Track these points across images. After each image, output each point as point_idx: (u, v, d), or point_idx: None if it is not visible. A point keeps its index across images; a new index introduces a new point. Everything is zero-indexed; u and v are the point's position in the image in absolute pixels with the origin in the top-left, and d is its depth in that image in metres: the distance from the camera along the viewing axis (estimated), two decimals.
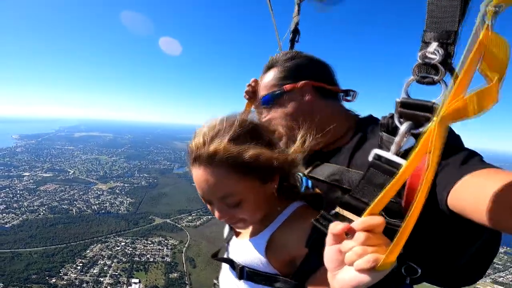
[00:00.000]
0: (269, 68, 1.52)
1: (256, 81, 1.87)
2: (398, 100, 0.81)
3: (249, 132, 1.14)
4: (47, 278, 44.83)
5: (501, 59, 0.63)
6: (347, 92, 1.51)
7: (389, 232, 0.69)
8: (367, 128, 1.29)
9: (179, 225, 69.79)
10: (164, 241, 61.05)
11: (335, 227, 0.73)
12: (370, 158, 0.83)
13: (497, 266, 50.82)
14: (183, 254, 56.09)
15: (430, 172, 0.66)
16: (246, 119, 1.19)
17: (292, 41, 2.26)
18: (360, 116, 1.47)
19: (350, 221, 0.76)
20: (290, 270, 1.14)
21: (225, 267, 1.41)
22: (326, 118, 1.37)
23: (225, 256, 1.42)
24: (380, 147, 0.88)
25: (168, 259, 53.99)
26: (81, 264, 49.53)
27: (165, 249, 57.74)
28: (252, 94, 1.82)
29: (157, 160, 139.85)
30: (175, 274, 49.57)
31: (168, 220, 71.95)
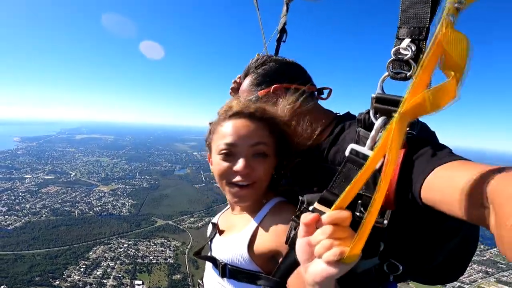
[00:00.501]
0: (245, 76, 1.59)
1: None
2: (373, 95, 0.83)
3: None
4: (50, 280, 44.72)
5: (460, 56, 0.63)
6: (321, 90, 1.54)
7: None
8: (344, 125, 1.32)
9: (181, 227, 69.68)
10: (166, 243, 60.98)
11: (306, 217, 0.76)
12: (347, 153, 0.83)
13: (500, 265, 50.77)
14: (185, 255, 55.98)
15: (389, 168, 0.67)
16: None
17: (279, 41, 2.27)
18: (338, 114, 1.49)
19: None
20: (272, 267, 1.14)
21: (208, 266, 1.43)
22: (302, 117, 1.39)
23: (208, 254, 1.44)
24: (357, 143, 0.88)
25: (171, 261, 53.92)
26: (84, 266, 49.40)
27: (167, 251, 57.67)
28: (237, 91, 1.84)
29: (158, 162, 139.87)
30: (178, 276, 49.51)
31: (170, 222, 71.87)
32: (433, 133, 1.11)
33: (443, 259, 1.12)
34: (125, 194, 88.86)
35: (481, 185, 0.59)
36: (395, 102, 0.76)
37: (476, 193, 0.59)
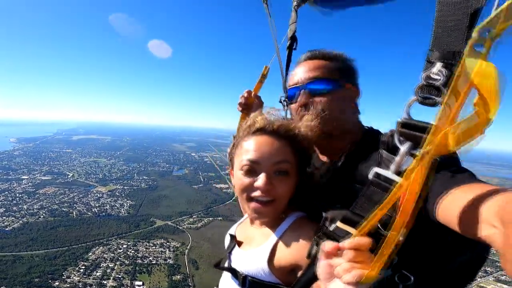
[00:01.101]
0: (324, 57, 1.47)
1: (249, 92, 1.91)
2: (399, 120, 0.83)
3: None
4: (50, 281, 44.36)
5: (489, 92, 0.59)
6: None
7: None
8: (370, 143, 1.32)
9: (180, 227, 69.40)
10: (166, 243, 60.77)
11: (327, 246, 0.82)
12: (370, 176, 0.86)
13: (499, 264, 50.15)
14: (185, 256, 55.86)
15: (408, 205, 0.71)
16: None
17: (290, 48, 2.17)
18: (365, 128, 1.49)
19: (348, 234, 0.85)
20: (291, 279, 1.17)
21: (226, 275, 1.47)
22: (349, 129, 1.41)
23: (227, 265, 1.47)
24: (379, 164, 0.90)
25: (171, 261, 53.72)
26: (83, 267, 49.08)
27: (167, 251, 57.47)
28: (245, 106, 1.83)
29: (156, 163, 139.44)
30: (178, 276, 49.32)
31: (169, 222, 71.56)
32: (455, 152, 1.17)
33: (455, 270, 1.15)
34: (123, 195, 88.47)
35: (491, 205, 0.60)
36: (421, 129, 0.76)
37: (487, 214, 0.60)
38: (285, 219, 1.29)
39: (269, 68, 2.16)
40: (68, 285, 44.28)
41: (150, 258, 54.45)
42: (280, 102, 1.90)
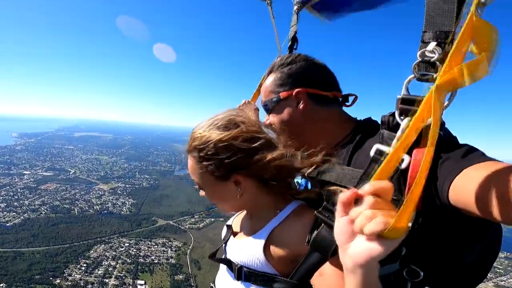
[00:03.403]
0: (269, 72, 1.49)
1: (247, 102, 2.02)
2: (399, 96, 0.85)
3: (231, 135, 1.14)
4: (51, 278, 44.05)
5: (488, 40, 0.69)
6: (346, 97, 1.45)
7: None
8: (367, 129, 1.27)
9: (182, 227, 69.31)
10: (168, 243, 60.57)
11: (344, 195, 0.71)
12: (372, 153, 0.85)
13: (498, 270, 51.70)
14: (187, 256, 55.60)
15: (433, 132, 0.69)
16: (234, 123, 1.18)
17: (291, 48, 2.30)
18: (360, 120, 1.42)
19: None
20: (289, 270, 1.12)
21: (222, 268, 1.39)
22: (320, 125, 1.36)
23: (222, 256, 1.39)
24: (381, 143, 0.89)
25: (173, 261, 53.46)
26: (85, 265, 48.76)
27: (169, 251, 57.23)
28: None
29: (158, 162, 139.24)
30: (181, 276, 49.06)
31: (171, 222, 71.44)
32: (455, 137, 1.06)
33: (466, 266, 1.09)
34: (125, 193, 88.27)
35: (509, 182, 0.58)
36: (421, 103, 0.76)
37: (505, 190, 0.59)
38: (283, 208, 1.22)
39: None
40: (69, 283, 43.89)
41: (152, 257, 54.19)
42: None
